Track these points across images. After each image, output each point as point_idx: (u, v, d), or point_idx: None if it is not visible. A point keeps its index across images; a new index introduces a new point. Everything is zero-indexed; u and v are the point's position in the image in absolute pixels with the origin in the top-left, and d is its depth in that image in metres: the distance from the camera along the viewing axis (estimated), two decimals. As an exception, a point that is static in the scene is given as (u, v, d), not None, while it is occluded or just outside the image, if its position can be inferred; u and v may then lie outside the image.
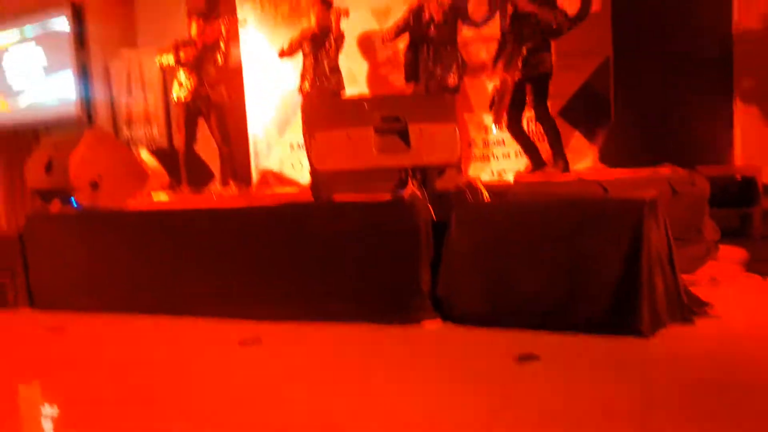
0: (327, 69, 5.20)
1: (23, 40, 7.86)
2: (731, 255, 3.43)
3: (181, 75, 5.31)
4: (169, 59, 5.34)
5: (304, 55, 5.26)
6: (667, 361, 2.30)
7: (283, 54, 5.37)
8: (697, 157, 4.46)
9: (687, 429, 1.72)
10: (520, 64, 4.41)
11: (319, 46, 5.18)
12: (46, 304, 3.80)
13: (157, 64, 5.51)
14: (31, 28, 7.79)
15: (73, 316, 3.55)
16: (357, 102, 4.28)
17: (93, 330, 3.34)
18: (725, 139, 4.76)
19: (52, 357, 2.88)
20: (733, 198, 3.77)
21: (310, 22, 5.26)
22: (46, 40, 7.69)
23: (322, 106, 4.43)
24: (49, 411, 2.28)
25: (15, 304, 3.90)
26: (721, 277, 3.29)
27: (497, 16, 5.44)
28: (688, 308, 2.71)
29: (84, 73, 7.51)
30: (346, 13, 5.19)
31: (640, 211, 2.69)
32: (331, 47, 5.19)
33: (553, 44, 4.55)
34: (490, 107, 4.67)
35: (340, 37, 5.19)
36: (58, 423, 2.17)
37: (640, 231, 2.66)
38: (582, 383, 2.11)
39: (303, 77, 5.28)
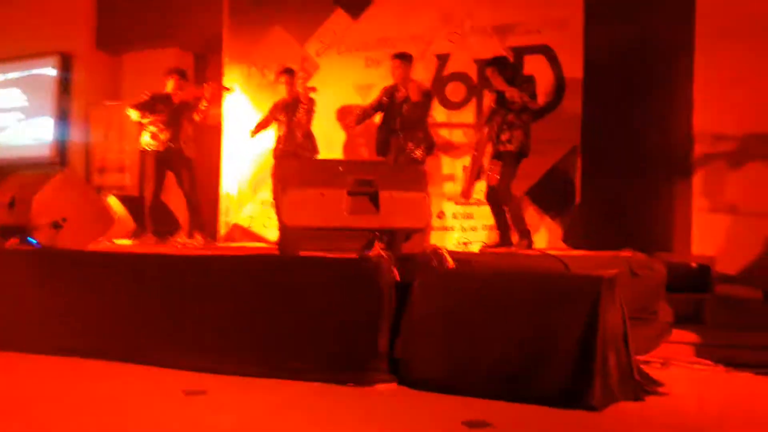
0: (299, 136, 5.37)
1: (6, 81, 7.92)
2: (683, 339, 3.49)
3: (153, 127, 5.34)
4: (135, 114, 5.36)
5: (278, 123, 5.46)
6: (616, 436, 2.29)
7: (254, 132, 5.57)
8: (656, 244, 4.60)
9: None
10: (493, 140, 4.58)
11: (291, 114, 5.37)
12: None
13: (129, 115, 5.52)
14: (17, 72, 7.87)
15: (21, 357, 3.40)
16: (331, 163, 4.37)
17: (38, 371, 3.20)
18: (683, 229, 4.95)
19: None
20: (688, 284, 3.87)
21: (281, 92, 5.49)
22: (30, 83, 7.77)
23: (297, 164, 4.51)
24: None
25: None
26: (672, 358, 3.33)
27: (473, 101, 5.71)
28: (640, 386, 2.73)
29: (63, 118, 7.55)
30: (313, 90, 5.44)
31: (599, 287, 2.75)
32: (302, 114, 5.38)
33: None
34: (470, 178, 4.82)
35: (310, 104, 5.40)
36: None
37: (597, 307, 2.71)
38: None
39: (277, 143, 5.47)
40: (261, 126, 5.60)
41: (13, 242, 3.93)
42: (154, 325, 3.31)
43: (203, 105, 5.43)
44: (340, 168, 3.63)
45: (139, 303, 3.38)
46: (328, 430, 2.32)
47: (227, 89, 6.04)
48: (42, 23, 7.69)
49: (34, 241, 3.89)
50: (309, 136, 5.46)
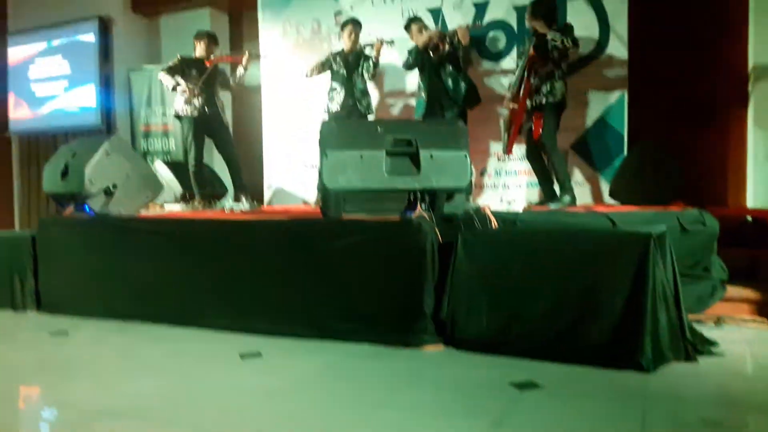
0: (358, 91, 5.28)
1: (50, 49, 8.06)
2: (739, 296, 3.39)
3: (188, 92, 5.33)
4: (167, 79, 5.34)
5: (334, 74, 5.32)
6: (667, 397, 2.27)
7: (309, 74, 5.41)
8: (708, 197, 4.45)
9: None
10: (530, 93, 4.44)
11: (352, 67, 5.26)
12: (53, 307, 3.84)
13: (161, 80, 5.52)
14: (58, 39, 7.98)
15: (79, 321, 3.58)
16: (369, 124, 4.32)
17: (96, 335, 3.37)
18: (737, 181, 4.76)
19: (52, 361, 2.90)
20: (743, 239, 3.74)
21: (343, 42, 5.36)
22: (71, 50, 7.88)
23: (336, 126, 4.49)
24: (45, 415, 2.29)
25: (23, 307, 3.94)
26: (727, 317, 3.25)
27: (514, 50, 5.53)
28: (693, 346, 2.69)
29: (106, 84, 7.67)
30: (391, 43, 5.26)
31: (647, 245, 2.69)
32: (362, 70, 5.28)
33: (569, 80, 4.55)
34: (504, 134, 4.70)
35: (376, 64, 5.27)
36: (53, 428, 2.18)
37: (645, 265, 2.65)
38: (580, 414, 2.09)
39: (332, 97, 5.33)
40: (316, 69, 5.43)
41: (69, 211, 4.07)
42: (206, 289, 3.42)
43: (240, 72, 5.40)
44: (379, 128, 3.59)
45: (190, 267, 3.49)
46: (377, 392, 2.37)
47: (263, 56, 5.94)
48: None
49: (88, 209, 4.01)
50: (366, 94, 5.37)
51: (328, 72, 5.38)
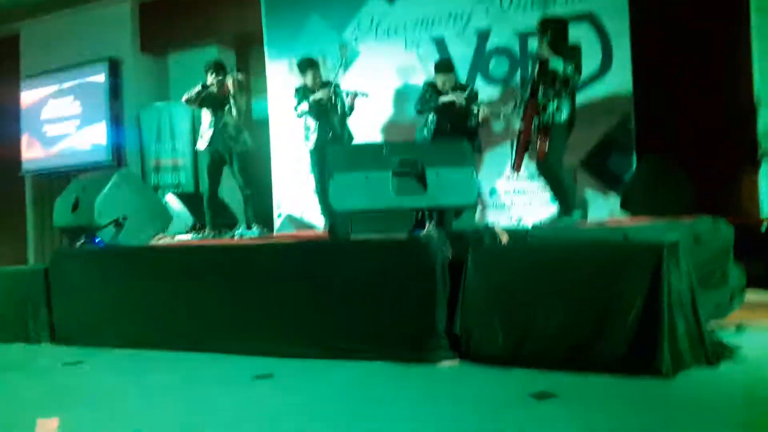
0: (336, 125, 5.24)
1: (61, 91, 8.23)
2: (758, 302, 3.33)
3: (204, 125, 5.31)
4: (192, 94, 5.25)
5: (311, 111, 5.27)
6: (688, 402, 2.22)
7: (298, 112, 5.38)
8: (721, 208, 4.39)
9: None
10: (538, 112, 4.40)
11: (324, 102, 5.18)
12: (67, 338, 3.84)
13: (185, 101, 5.43)
14: (69, 81, 8.16)
15: (93, 351, 3.57)
16: (375, 147, 4.35)
17: (110, 364, 3.35)
18: (750, 191, 4.71)
19: (66, 390, 2.88)
20: (759, 248, 3.69)
21: (307, 82, 5.24)
22: (82, 91, 8.05)
23: (341, 149, 4.50)
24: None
25: (37, 339, 3.94)
26: (747, 322, 3.19)
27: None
28: (712, 351, 2.63)
29: (116, 122, 7.80)
30: (365, 95, 5.23)
31: (660, 254, 2.66)
32: (338, 110, 5.23)
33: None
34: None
35: (351, 110, 5.22)
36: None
37: (659, 274, 2.62)
38: (600, 423, 2.04)
39: (311, 130, 5.31)
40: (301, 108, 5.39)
41: (80, 242, 4.09)
42: (217, 314, 3.41)
43: (233, 98, 5.32)
44: (384, 150, 3.60)
45: (201, 293, 3.48)
46: (395, 408, 2.33)
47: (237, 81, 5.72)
48: (89, 32, 7.96)
49: (98, 241, 4.04)
50: (343, 126, 5.35)
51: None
